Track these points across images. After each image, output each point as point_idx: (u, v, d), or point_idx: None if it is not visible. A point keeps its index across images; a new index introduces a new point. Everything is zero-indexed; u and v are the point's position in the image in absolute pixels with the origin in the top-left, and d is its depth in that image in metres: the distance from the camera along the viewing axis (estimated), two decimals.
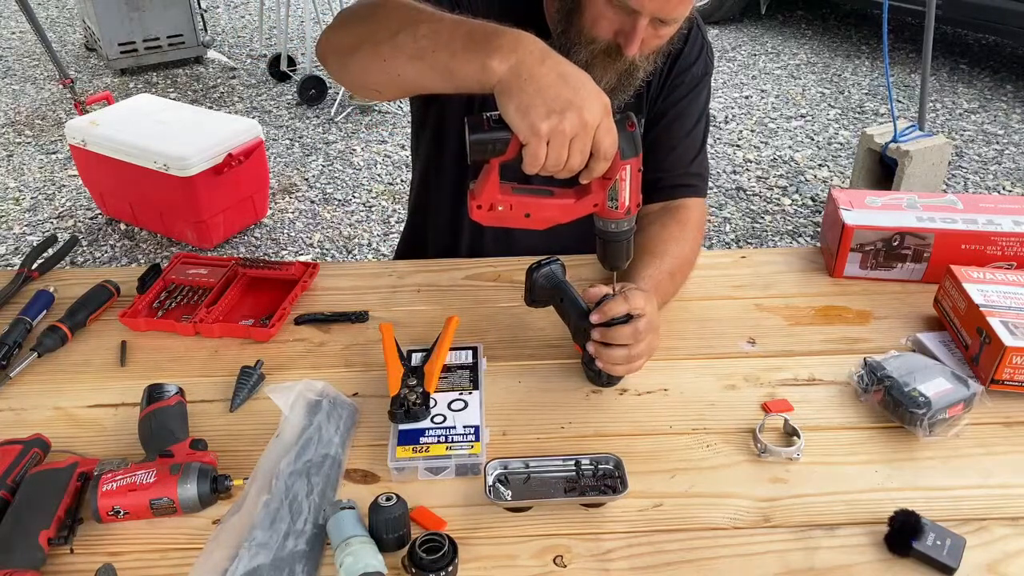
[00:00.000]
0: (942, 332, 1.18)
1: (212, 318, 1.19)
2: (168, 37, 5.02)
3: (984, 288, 1.13)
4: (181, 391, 1.02)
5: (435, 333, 1.11)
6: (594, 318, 1.00)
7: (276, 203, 3.59)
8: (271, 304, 1.24)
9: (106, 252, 3.24)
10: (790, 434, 1.00)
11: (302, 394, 1.00)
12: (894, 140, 3.28)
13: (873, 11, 5.71)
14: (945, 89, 4.73)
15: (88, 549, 0.85)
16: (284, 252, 3.27)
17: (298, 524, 0.85)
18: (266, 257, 3.22)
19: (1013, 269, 1.24)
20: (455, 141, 1.32)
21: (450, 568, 0.80)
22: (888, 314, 1.24)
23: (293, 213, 3.53)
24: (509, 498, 0.90)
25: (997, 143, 4.10)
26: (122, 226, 3.40)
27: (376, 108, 4.48)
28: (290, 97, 4.65)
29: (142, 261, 3.17)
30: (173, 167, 2.98)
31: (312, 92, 4.46)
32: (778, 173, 3.83)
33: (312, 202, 3.62)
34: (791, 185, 3.72)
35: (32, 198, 3.63)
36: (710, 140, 2.34)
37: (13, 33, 5.83)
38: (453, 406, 1.01)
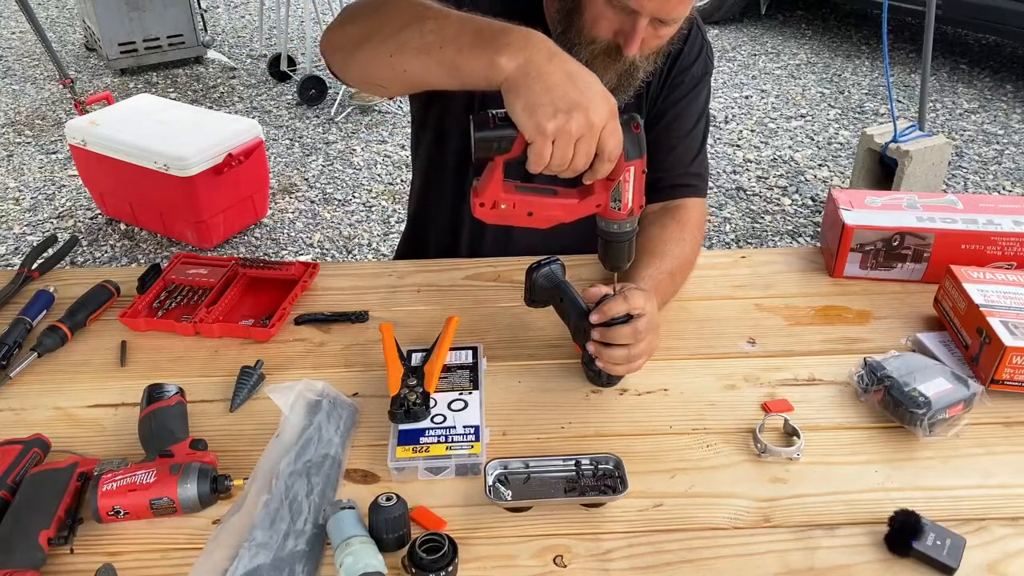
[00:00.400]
0: (942, 332, 1.18)
1: (212, 318, 1.19)
2: (168, 37, 5.03)
3: (984, 288, 1.13)
4: (181, 391, 1.02)
5: (435, 333, 1.11)
6: (594, 318, 1.00)
7: (276, 203, 3.59)
8: (271, 304, 1.24)
9: (106, 252, 3.24)
10: (790, 434, 1.00)
11: (302, 394, 1.00)
12: (894, 140, 3.28)
13: (873, 11, 5.72)
14: (945, 89, 4.73)
15: (88, 549, 0.85)
16: (284, 252, 3.27)
17: (298, 524, 0.85)
18: (266, 257, 3.22)
19: (1013, 269, 1.24)
20: (456, 141, 1.32)
21: (450, 568, 0.80)
22: (888, 314, 1.24)
23: (293, 213, 3.53)
24: (509, 498, 0.90)
25: (997, 143, 4.10)
26: (122, 226, 3.40)
27: (376, 108, 4.48)
28: (290, 97, 4.65)
29: (142, 261, 3.17)
30: (173, 167, 2.98)
31: (312, 92, 4.46)
32: (778, 173, 3.83)
33: (312, 202, 3.62)
34: (791, 185, 3.72)
35: (32, 198, 3.63)
36: (710, 140, 2.34)
37: (13, 33, 5.83)
38: (453, 406, 1.01)
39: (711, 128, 3.77)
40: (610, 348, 1.01)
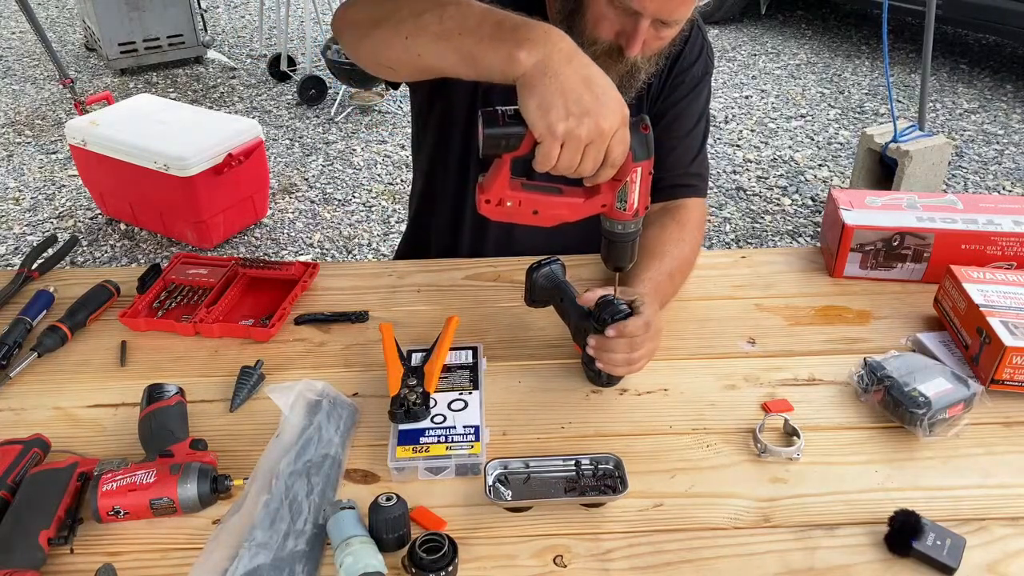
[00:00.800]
0: (942, 332, 1.18)
1: (212, 318, 1.19)
2: (168, 37, 5.03)
3: (984, 288, 1.13)
4: (181, 391, 1.02)
5: (435, 333, 1.11)
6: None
7: (276, 203, 3.59)
8: (271, 304, 1.24)
9: (106, 252, 3.24)
10: (790, 434, 1.00)
11: (302, 394, 1.00)
12: (894, 140, 3.28)
13: (873, 11, 5.72)
14: (945, 89, 4.74)
15: (88, 549, 0.85)
16: (284, 252, 3.27)
17: (298, 524, 0.85)
18: (266, 257, 3.22)
19: (1013, 269, 1.24)
20: (458, 142, 1.32)
21: (450, 568, 0.80)
22: (888, 314, 1.24)
23: (293, 213, 3.53)
24: (509, 498, 0.90)
25: (997, 143, 4.10)
26: (122, 226, 3.40)
27: (376, 108, 4.48)
28: (290, 97, 4.65)
29: (142, 261, 3.17)
30: (173, 167, 2.98)
31: (312, 92, 4.46)
32: (778, 173, 3.83)
33: (312, 202, 3.62)
34: (791, 185, 3.72)
35: (32, 198, 3.63)
36: (710, 140, 2.34)
37: (13, 33, 5.83)
38: (453, 406, 1.01)
39: (711, 128, 3.78)
40: (610, 351, 1.01)
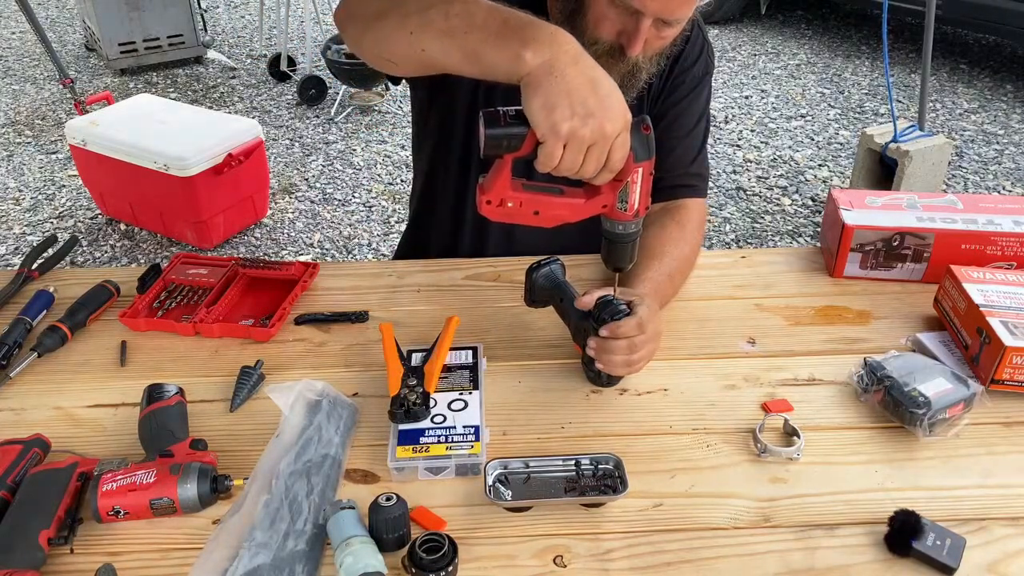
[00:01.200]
0: (942, 332, 1.18)
1: (212, 318, 1.19)
2: (168, 37, 5.03)
3: (984, 288, 1.13)
4: (181, 391, 1.02)
5: (435, 333, 1.11)
6: (604, 334, 1.00)
7: (276, 203, 3.59)
8: (271, 304, 1.24)
9: (106, 252, 3.24)
10: (790, 434, 1.00)
11: (302, 394, 1.00)
12: (894, 140, 3.28)
13: (873, 11, 5.72)
14: (945, 89, 4.74)
15: (88, 549, 0.85)
16: (284, 252, 3.27)
17: (298, 524, 0.85)
18: (266, 257, 3.22)
19: (1013, 269, 1.24)
20: (459, 143, 1.32)
21: (450, 568, 0.80)
22: (888, 314, 1.24)
23: (293, 213, 3.53)
24: (509, 498, 0.90)
25: (997, 143, 4.10)
26: (122, 226, 3.40)
27: (376, 108, 4.48)
28: (290, 97, 4.65)
29: (142, 261, 3.17)
30: (173, 167, 2.98)
31: (312, 92, 4.46)
32: (778, 173, 3.83)
33: (312, 202, 3.62)
34: (791, 185, 3.72)
35: (32, 198, 3.63)
36: (710, 140, 2.34)
37: (13, 33, 5.83)
38: (453, 406, 1.01)
39: (711, 128, 3.79)
40: (610, 352, 1.01)
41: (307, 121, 4.37)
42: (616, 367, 1.02)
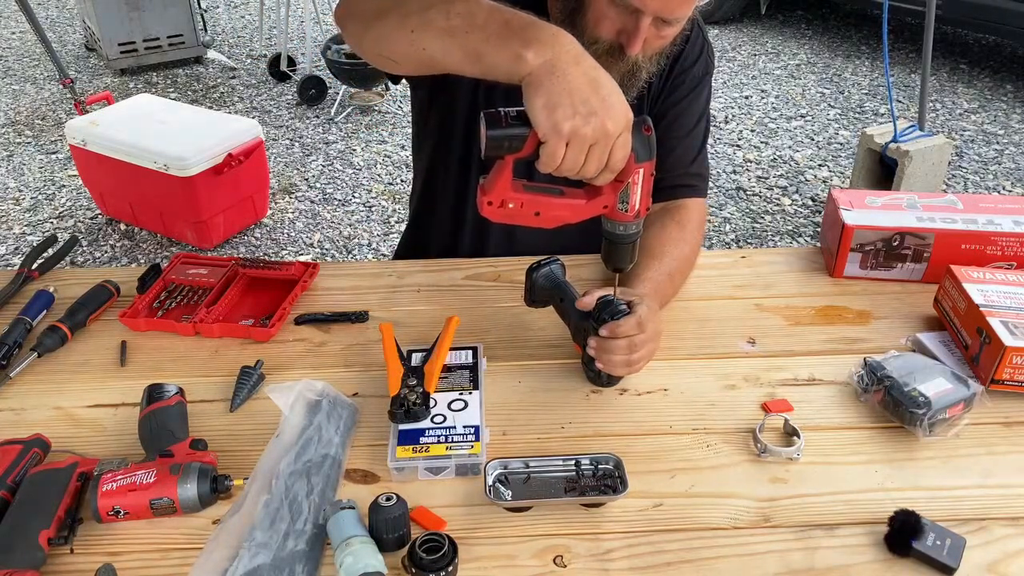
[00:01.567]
0: (942, 332, 1.18)
1: (212, 318, 1.19)
2: (168, 37, 5.02)
3: (984, 288, 1.13)
4: (181, 391, 1.02)
5: (435, 333, 1.11)
6: (604, 333, 1.00)
7: (276, 203, 3.59)
8: (271, 304, 1.24)
9: (106, 252, 3.24)
10: (790, 434, 1.00)
11: (302, 394, 1.00)
12: (894, 140, 3.28)
13: (873, 11, 5.72)
14: (945, 89, 4.74)
15: (88, 549, 0.85)
16: (284, 252, 3.27)
17: (298, 524, 0.85)
18: (266, 257, 3.22)
19: (1013, 269, 1.24)
20: (459, 143, 1.32)
21: (450, 568, 0.80)
22: (888, 314, 1.24)
23: (293, 213, 3.53)
24: (509, 498, 0.90)
25: (997, 143, 4.10)
26: (122, 226, 3.40)
27: (376, 108, 4.48)
28: (290, 97, 4.65)
29: (142, 261, 3.17)
30: (173, 167, 2.98)
31: (312, 92, 4.46)
32: (778, 173, 3.83)
33: (312, 202, 3.62)
34: (791, 185, 3.72)
35: (32, 198, 3.63)
36: (710, 140, 2.34)
37: (13, 33, 5.83)
38: (453, 406, 1.01)
39: (711, 128, 3.79)
40: (610, 352, 1.01)
41: (307, 121, 4.37)
42: (616, 367, 1.02)
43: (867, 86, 4.81)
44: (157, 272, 1.29)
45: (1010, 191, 3.69)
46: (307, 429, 0.96)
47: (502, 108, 0.87)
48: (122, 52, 4.93)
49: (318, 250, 3.28)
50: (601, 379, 1.07)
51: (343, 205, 3.59)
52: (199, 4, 5.32)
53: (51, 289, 1.25)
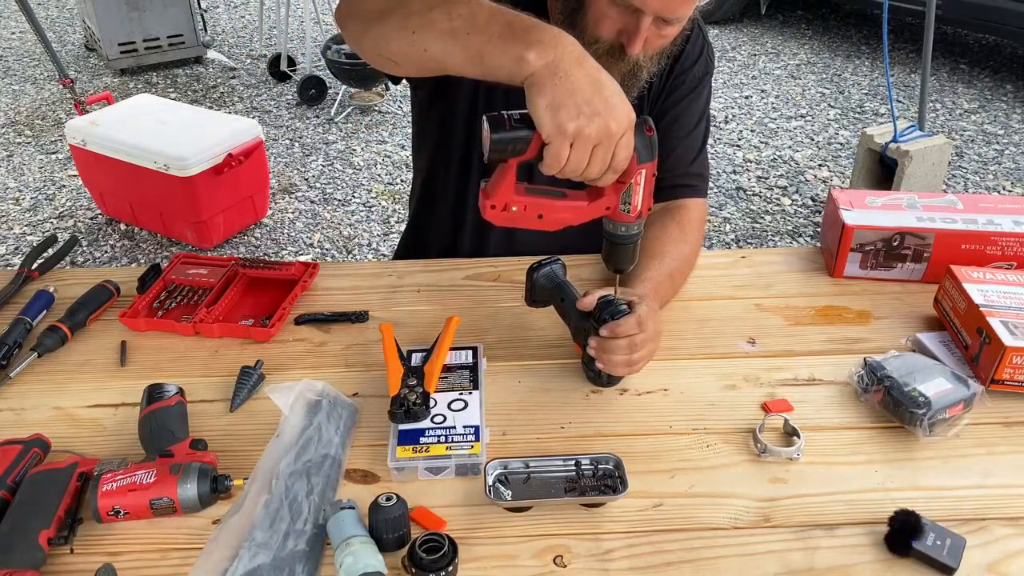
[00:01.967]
0: (942, 332, 1.18)
1: (212, 318, 1.19)
2: (168, 37, 5.02)
3: (984, 288, 1.13)
4: (181, 391, 1.02)
5: (435, 333, 1.11)
6: (604, 333, 1.00)
7: (276, 203, 3.59)
8: (271, 304, 1.24)
9: (106, 252, 3.24)
10: (790, 434, 1.00)
11: (302, 394, 1.00)
12: (894, 140, 3.28)
13: (873, 11, 5.72)
14: (945, 89, 4.74)
15: (88, 549, 0.85)
16: (284, 252, 3.27)
17: (298, 524, 0.85)
18: (266, 257, 3.22)
19: (1013, 269, 1.24)
20: (459, 143, 1.32)
21: (450, 568, 0.80)
22: (888, 314, 1.24)
23: (293, 213, 3.53)
24: (509, 498, 0.90)
25: (997, 143, 4.10)
26: (122, 226, 3.40)
27: (376, 108, 4.48)
28: (290, 97, 4.65)
29: (142, 261, 3.17)
30: (173, 167, 2.98)
31: (312, 92, 4.46)
32: (778, 173, 3.83)
33: (312, 202, 3.62)
34: (791, 185, 3.72)
35: (32, 198, 3.63)
36: (710, 140, 2.33)
37: (13, 33, 5.83)
38: (453, 406, 1.01)
39: (711, 128, 3.79)
40: (610, 352, 1.01)
41: (307, 121, 4.37)
42: (616, 367, 1.02)
43: (867, 86, 4.81)
44: (157, 272, 1.29)
45: (1010, 191, 3.69)
46: (307, 429, 0.96)
47: (504, 111, 0.87)
48: (122, 52, 4.93)
49: (318, 250, 3.28)
50: (601, 379, 1.07)
51: (343, 205, 3.59)
52: (199, 4, 5.32)
53: (51, 289, 1.25)
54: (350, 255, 3.25)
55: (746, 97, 4.69)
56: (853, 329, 1.21)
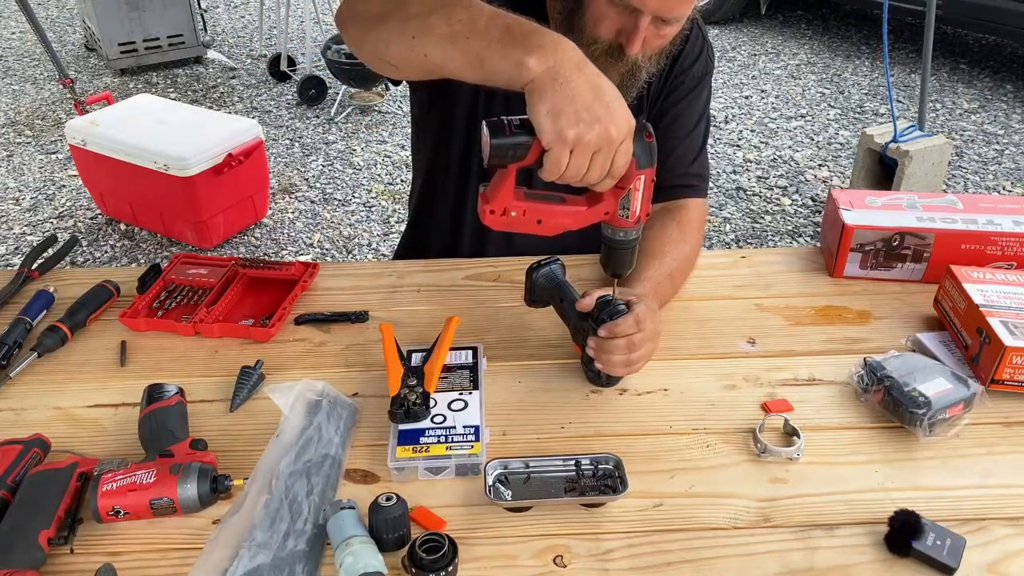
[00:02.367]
0: (942, 332, 1.18)
1: (212, 318, 1.19)
2: (168, 37, 5.02)
3: (984, 288, 1.13)
4: (181, 391, 1.02)
5: (435, 333, 1.11)
6: (603, 333, 1.00)
7: (276, 203, 3.59)
8: (271, 304, 1.24)
9: (106, 252, 3.24)
10: (790, 434, 1.00)
11: (302, 394, 1.00)
12: (894, 140, 3.28)
13: (873, 11, 5.72)
14: (945, 89, 4.73)
15: (88, 549, 0.85)
16: (284, 252, 3.27)
17: (298, 524, 0.85)
18: (266, 257, 3.22)
19: (1013, 269, 1.24)
20: (459, 144, 1.32)
21: (450, 568, 0.80)
22: (888, 314, 1.24)
23: (293, 213, 3.53)
24: (509, 498, 0.90)
25: (997, 143, 4.10)
26: (122, 226, 3.40)
27: (376, 108, 4.48)
28: (290, 97, 4.65)
29: (142, 261, 3.17)
30: (173, 167, 2.98)
31: (312, 92, 4.46)
32: (778, 173, 3.83)
33: (312, 202, 3.62)
34: (791, 185, 3.72)
35: (32, 198, 3.63)
36: (710, 140, 2.33)
37: (13, 33, 5.83)
38: (453, 406, 1.01)
39: (711, 128, 3.78)
40: (609, 352, 1.01)
41: (307, 121, 4.36)
42: (615, 367, 1.02)
43: (867, 86, 4.81)
44: (157, 272, 1.29)
45: (1010, 191, 3.69)
46: (307, 429, 0.96)
47: (504, 116, 0.87)
48: (122, 52, 4.93)
49: (318, 250, 3.28)
50: (601, 379, 1.07)
51: (343, 205, 3.59)
52: (199, 4, 5.32)
53: (51, 289, 1.25)
54: (350, 255, 3.25)
55: (746, 97, 4.69)
56: (853, 329, 1.21)
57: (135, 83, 4.93)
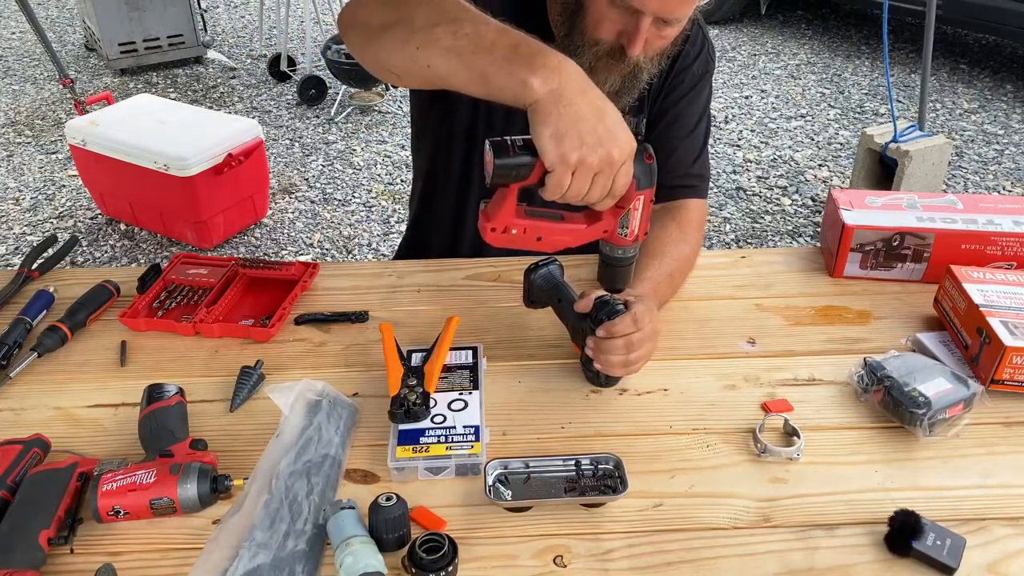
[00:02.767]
0: (942, 332, 1.18)
1: (212, 318, 1.19)
2: (168, 37, 5.02)
3: (984, 288, 1.13)
4: (181, 391, 1.02)
5: (435, 333, 1.11)
6: (600, 334, 1.00)
7: (276, 203, 3.59)
8: (271, 304, 1.24)
9: (106, 252, 3.24)
10: (790, 434, 1.00)
11: (302, 394, 1.00)
12: (894, 140, 3.28)
13: (873, 11, 5.72)
14: (945, 89, 4.74)
15: (88, 549, 0.85)
16: (284, 252, 3.27)
17: (298, 524, 0.85)
18: (266, 257, 3.22)
19: (1013, 269, 1.24)
20: (459, 145, 1.32)
21: (450, 568, 0.80)
22: (888, 314, 1.24)
23: (293, 213, 3.53)
24: (509, 498, 0.90)
25: (997, 143, 4.10)
26: (122, 226, 3.40)
27: (376, 108, 4.48)
28: (290, 97, 4.65)
29: (142, 261, 3.17)
30: (173, 167, 2.98)
31: (312, 92, 4.46)
32: (778, 173, 3.83)
33: (312, 202, 3.62)
34: (791, 185, 3.72)
35: (32, 198, 3.63)
36: (710, 140, 2.33)
37: (13, 33, 5.83)
38: (453, 406, 1.01)
39: (711, 128, 3.77)
40: (607, 353, 1.01)
41: (307, 121, 4.37)
42: (614, 367, 1.02)
43: (867, 86, 4.81)
44: (157, 272, 1.29)
45: (1010, 191, 3.69)
46: (307, 429, 0.96)
47: (508, 136, 0.88)
48: (122, 52, 4.93)
49: (318, 250, 3.28)
50: (600, 379, 1.07)
51: (343, 205, 3.59)
52: (199, 4, 5.32)
53: (51, 289, 1.25)
54: (350, 255, 3.25)
55: (746, 97, 4.69)
56: (853, 329, 1.21)
57: (135, 83, 4.93)
